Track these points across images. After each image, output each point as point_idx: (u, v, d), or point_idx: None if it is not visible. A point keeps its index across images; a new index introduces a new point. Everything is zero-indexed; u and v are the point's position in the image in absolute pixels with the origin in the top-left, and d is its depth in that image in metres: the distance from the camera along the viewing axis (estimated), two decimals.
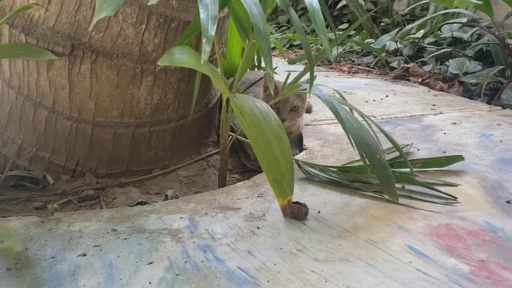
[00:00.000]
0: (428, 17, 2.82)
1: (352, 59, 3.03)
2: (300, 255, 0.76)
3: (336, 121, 1.60)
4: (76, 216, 0.88)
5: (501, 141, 1.39)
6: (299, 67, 3.00)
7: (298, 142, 1.36)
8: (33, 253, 0.75)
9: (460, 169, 1.16)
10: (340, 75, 2.66)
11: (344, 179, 1.04)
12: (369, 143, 0.94)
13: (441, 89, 2.15)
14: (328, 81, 2.34)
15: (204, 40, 0.59)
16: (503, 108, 1.83)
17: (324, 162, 1.18)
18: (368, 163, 0.93)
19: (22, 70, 1.04)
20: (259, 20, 0.72)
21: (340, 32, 3.65)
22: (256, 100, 0.86)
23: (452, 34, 2.60)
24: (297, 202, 0.89)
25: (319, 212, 0.91)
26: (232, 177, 1.23)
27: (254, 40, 0.91)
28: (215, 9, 0.62)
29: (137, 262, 0.73)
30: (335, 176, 1.04)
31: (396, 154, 1.18)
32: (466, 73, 2.24)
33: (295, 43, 3.85)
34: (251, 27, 0.95)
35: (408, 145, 1.30)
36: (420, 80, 2.32)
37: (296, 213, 0.87)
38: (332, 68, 2.89)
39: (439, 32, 2.75)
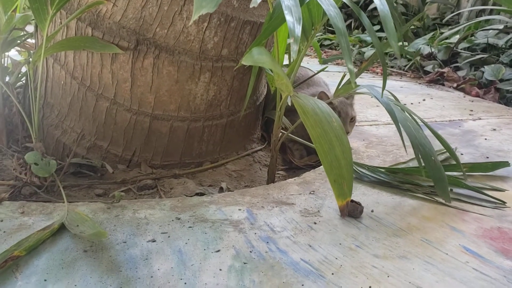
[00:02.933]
0: (466, 24, 2.81)
1: (387, 61, 3.04)
2: (359, 251, 0.79)
3: (376, 123, 1.63)
4: (140, 204, 0.92)
5: None
6: (331, 67, 3.03)
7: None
8: (116, 235, 0.79)
9: (505, 174, 1.17)
10: (374, 76, 2.68)
11: (394, 180, 1.06)
12: (424, 144, 0.96)
13: (477, 95, 2.15)
14: (363, 82, 2.35)
15: (292, 40, 0.62)
16: None
17: (370, 163, 1.20)
18: (423, 164, 0.95)
19: (86, 62, 1.08)
20: (338, 19, 0.75)
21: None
22: (317, 100, 0.89)
23: (488, 40, 2.59)
24: (352, 201, 0.91)
25: (372, 211, 0.94)
26: (278, 174, 1.26)
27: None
28: (298, 11, 0.66)
29: (204, 249, 0.77)
30: (385, 177, 1.07)
31: (443, 156, 1.21)
32: (501, 80, 2.24)
33: (325, 43, 3.86)
34: (311, 28, 0.98)
35: (454, 148, 1.32)
36: (455, 85, 2.32)
37: (351, 211, 0.90)
38: (367, 70, 2.89)
39: (473, 37, 2.74)
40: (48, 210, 0.87)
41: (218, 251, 0.77)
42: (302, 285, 0.69)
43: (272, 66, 0.70)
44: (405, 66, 2.82)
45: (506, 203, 1.00)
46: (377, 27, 3.71)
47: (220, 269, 0.72)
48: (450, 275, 0.73)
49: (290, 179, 1.09)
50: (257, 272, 0.71)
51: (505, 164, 1.15)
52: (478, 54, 2.53)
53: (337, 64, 3.18)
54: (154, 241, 0.79)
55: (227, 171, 1.20)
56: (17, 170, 0.95)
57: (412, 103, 1.94)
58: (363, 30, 4.04)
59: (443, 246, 0.82)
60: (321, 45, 3.91)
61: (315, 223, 0.88)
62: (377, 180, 1.07)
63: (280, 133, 1.11)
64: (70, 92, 1.13)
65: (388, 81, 2.54)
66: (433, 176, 0.96)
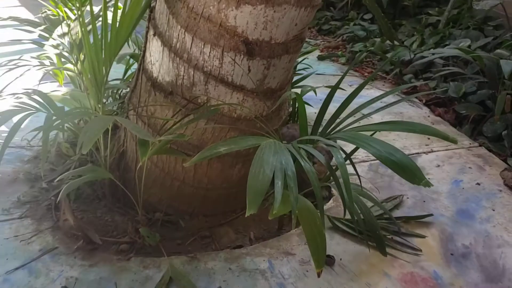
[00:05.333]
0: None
1: (374, 61, 3.56)
2: None
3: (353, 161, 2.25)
4: (207, 256, 1.59)
5: (463, 188, 2.05)
6: (329, 67, 3.55)
7: (326, 187, 2.02)
8: (199, 283, 1.47)
9: (431, 220, 1.83)
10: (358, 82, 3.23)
11: (356, 232, 1.72)
12: (362, 206, 1.61)
13: (439, 115, 2.75)
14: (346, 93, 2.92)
15: None
16: (483, 143, 2.44)
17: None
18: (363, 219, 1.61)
19: (166, 157, 1.70)
20: None
21: (363, 23, 4.13)
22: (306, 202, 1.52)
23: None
24: (328, 255, 1.58)
25: (341, 259, 1.61)
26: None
27: None
28: None
29: None
30: (350, 230, 1.73)
31: (390, 204, 1.87)
32: (463, 96, 2.80)
33: (324, 27, 4.32)
34: None
35: (401, 196, 1.97)
36: (424, 101, 2.90)
37: (328, 262, 1.57)
38: (356, 71, 3.44)
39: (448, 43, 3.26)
40: (157, 263, 1.55)
41: None
42: None
43: None
44: (390, 70, 3.36)
45: (421, 250, 1.67)
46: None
47: None
48: None
49: (292, 231, 1.76)
50: None
51: (429, 215, 1.82)
52: (450, 66, 3.05)
53: (334, 60, 3.69)
54: (220, 287, 1.47)
55: (252, 216, 1.85)
56: (131, 234, 1.61)
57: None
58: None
59: (377, 286, 1.51)
60: (320, 30, 4.37)
61: (307, 271, 1.56)
62: (347, 231, 1.74)
63: None
64: (154, 174, 1.75)
65: (371, 91, 3.10)
66: (372, 234, 1.62)
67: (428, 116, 2.77)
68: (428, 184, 1.30)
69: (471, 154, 2.34)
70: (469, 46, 3.21)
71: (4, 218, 1.72)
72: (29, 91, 1.59)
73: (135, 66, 1.94)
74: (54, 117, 1.50)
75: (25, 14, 3.91)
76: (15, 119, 1.46)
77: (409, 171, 1.32)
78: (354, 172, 1.58)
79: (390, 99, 2.19)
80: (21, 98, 1.54)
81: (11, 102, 1.57)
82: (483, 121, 2.58)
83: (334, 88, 1.70)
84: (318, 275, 1.42)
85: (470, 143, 2.45)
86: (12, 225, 1.69)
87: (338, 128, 1.61)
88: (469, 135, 2.55)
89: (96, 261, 1.54)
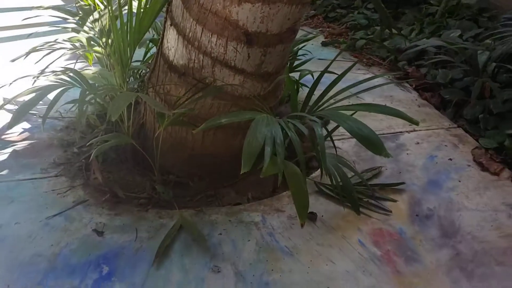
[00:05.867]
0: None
1: (373, 48, 3.82)
2: (311, 241, 1.80)
3: (343, 137, 2.55)
4: (211, 211, 1.92)
5: (437, 163, 2.34)
6: (331, 53, 3.82)
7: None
8: (203, 231, 1.81)
9: (404, 187, 2.14)
10: (359, 68, 3.51)
11: (337, 195, 2.04)
12: (342, 173, 1.93)
13: (425, 98, 3.03)
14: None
15: None
16: (462, 125, 2.71)
17: None
18: (341, 183, 1.92)
19: (178, 128, 2.02)
20: None
21: (367, 12, 4.38)
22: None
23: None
24: (311, 212, 1.90)
25: (322, 216, 1.93)
26: None
27: None
28: None
29: (243, 239, 1.79)
30: (332, 193, 2.05)
31: (370, 174, 2.18)
32: (450, 82, 3.07)
33: (330, 15, 4.57)
34: None
35: (380, 167, 2.27)
36: (414, 86, 3.18)
37: (311, 218, 1.90)
38: (355, 57, 3.71)
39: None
40: (170, 215, 1.88)
41: (249, 240, 1.79)
42: (284, 258, 1.71)
43: None
44: (386, 57, 3.63)
45: (391, 212, 1.98)
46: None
47: (250, 250, 1.74)
48: (346, 255, 1.75)
49: (284, 192, 2.07)
50: (267, 252, 1.73)
51: (402, 183, 2.12)
52: (442, 54, 3.31)
53: (336, 47, 3.96)
54: (220, 234, 1.81)
55: (250, 181, 2.18)
56: (149, 191, 1.95)
57: None
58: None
59: (350, 238, 1.82)
60: (326, 17, 4.63)
61: (293, 224, 1.88)
62: (330, 194, 2.06)
63: None
64: (168, 142, 2.07)
65: (366, 76, 3.37)
66: (348, 197, 1.93)
67: (416, 100, 3.05)
68: (388, 155, 1.62)
69: (449, 134, 2.63)
70: (460, 36, 3.46)
71: (43, 175, 2.07)
72: (65, 69, 1.91)
73: (153, 50, 2.25)
74: (87, 92, 1.83)
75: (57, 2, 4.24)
76: (52, 95, 1.79)
77: (373, 143, 1.64)
78: (339, 147, 1.89)
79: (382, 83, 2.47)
80: (59, 75, 1.86)
81: (51, 78, 1.90)
82: (465, 105, 2.86)
83: (323, 72, 2.00)
84: (302, 226, 1.74)
85: (449, 124, 2.73)
86: (49, 181, 2.03)
87: (323, 107, 1.91)
88: (451, 118, 2.83)
89: (120, 211, 1.88)
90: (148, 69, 2.15)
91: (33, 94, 1.73)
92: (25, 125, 2.43)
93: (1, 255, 1.64)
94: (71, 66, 2.16)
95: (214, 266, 1.65)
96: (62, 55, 2.19)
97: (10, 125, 1.66)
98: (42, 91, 1.71)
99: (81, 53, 2.22)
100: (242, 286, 1.58)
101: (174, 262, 1.66)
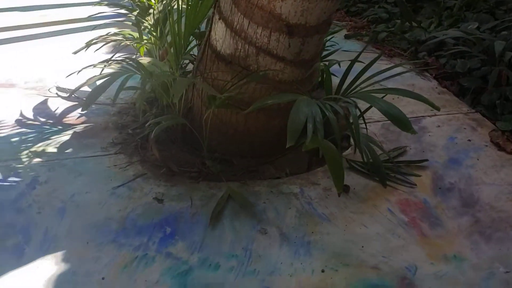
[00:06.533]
0: None
1: (394, 40, 4.02)
2: (345, 209, 2.03)
3: (369, 121, 2.77)
4: (254, 183, 2.17)
5: (456, 143, 2.55)
6: (354, 45, 4.03)
7: (347, 138, 2.56)
8: (249, 200, 2.05)
9: (427, 164, 2.36)
10: (382, 59, 3.70)
11: (367, 171, 2.26)
12: (373, 150, 2.15)
13: (445, 86, 3.23)
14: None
15: None
16: (479, 110, 2.91)
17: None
18: (371, 160, 2.15)
19: (224, 111, 2.26)
20: None
21: (387, 6, 4.58)
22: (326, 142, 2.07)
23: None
24: (345, 185, 2.13)
25: (354, 188, 2.16)
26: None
27: None
28: None
29: (285, 207, 2.03)
30: (363, 169, 2.28)
31: (396, 152, 2.40)
32: (469, 71, 3.27)
33: (352, 9, 4.78)
34: None
35: (405, 146, 2.49)
36: (434, 75, 3.38)
37: (344, 189, 2.13)
38: (378, 48, 3.92)
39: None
40: (218, 186, 2.13)
41: (290, 208, 2.03)
42: (322, 223, 1.95)
43: None
44: (407, 48, 3.83)
45: (416, 185, 2.21)
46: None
47: (291, 217, 1.98)
48: (377, 221, 1.98)
49: (319, 168, 2.31)
50: (306, 218, 1.97)
51: (425, 160, 2.34)
52: (460, 45, 3.50)
53: (358, 39, 4.17)
54: (264, 202, 2.05)
55: (288, 159, 2.41)
56: (199, 166, 2.20)
57: (398, 97, 3.05)
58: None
59: (380, 207, 2.05)
60: (348, 11, 4.83)
61: (328, 195, 2.12)
62: (360, 170, 2.29)
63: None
64: (215, 124, 2.32)
65: (388, 65, 3.59)
66: (376, 171, 2.16)
67: (436, 88, 3.25)
68: (414, 132, 1.86)
69: (467, 118, 2.83)
70: (478, 28, 3.65)
71: (103, 153, 2.33)
72: (127, 59, 2.17)
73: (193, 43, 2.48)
74: (147, 79, 2.08)
75: None
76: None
77: (402, 121, 1.87)
78: (369, 128, 2.12)
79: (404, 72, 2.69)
80: (122, 63, 2.11)
81: (114, 66, 2.16)
82: (482, 92, 3.06)
83: (353, 61, 2.23)
84: (339, 195, 1.99)
85: (468, 110, 2.94)
86: (110, 158, 2.29)
87: (355, 91, 2.14)
88: (469, 104, 3.03)
89: (175, 183, 2.13)
90: (193, 60, 2.40)
91: (102, 80, 1.99)
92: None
93: (78, 218, 1.91)
94: (123, 57, 2.42)
95: (261, 228, 1.89)
96: (114, 47, 2.43)
97: (85, 106, 1.93)
98: (111, 77, 1.97)
99: (133, 44, 2.47)
100: (287, 245, 1.82)
101: (226, 225, 1.91)
